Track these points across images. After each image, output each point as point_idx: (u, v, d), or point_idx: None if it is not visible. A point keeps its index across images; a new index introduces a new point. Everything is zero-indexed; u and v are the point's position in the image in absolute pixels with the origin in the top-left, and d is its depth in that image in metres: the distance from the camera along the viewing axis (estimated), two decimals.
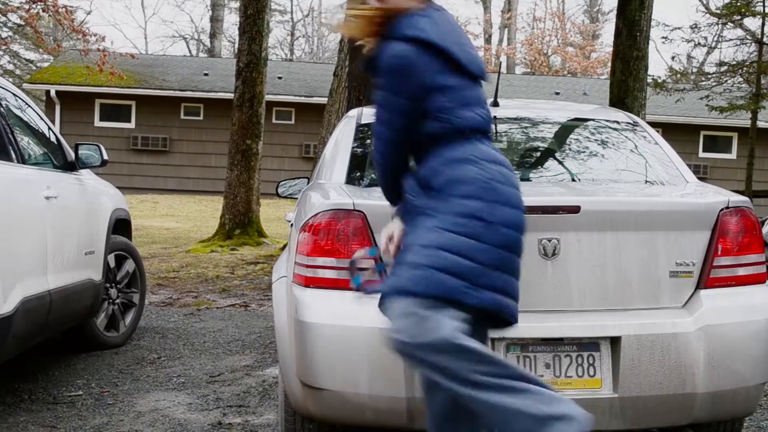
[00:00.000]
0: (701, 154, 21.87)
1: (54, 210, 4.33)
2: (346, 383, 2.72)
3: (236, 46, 15.80)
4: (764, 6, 14.55)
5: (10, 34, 31.36)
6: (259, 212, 12.46)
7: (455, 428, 2.46)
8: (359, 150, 3.46)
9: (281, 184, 5.24)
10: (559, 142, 3.69)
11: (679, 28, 15.78)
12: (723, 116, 15.70)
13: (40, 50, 32.02)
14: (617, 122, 3.73)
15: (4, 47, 30.80)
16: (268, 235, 12.49)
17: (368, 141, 3.57)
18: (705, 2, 21.63)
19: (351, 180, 3.24)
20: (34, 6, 17.73)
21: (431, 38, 2.36)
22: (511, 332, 2.70)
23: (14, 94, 4.63)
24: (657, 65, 58.32)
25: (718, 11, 16.29)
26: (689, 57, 29.97)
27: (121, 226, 5.69)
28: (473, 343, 2.21)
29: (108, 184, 5.69)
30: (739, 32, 17.88)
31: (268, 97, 16.03)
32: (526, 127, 3.74)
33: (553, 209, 2.76)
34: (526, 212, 2.42)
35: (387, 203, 2.85)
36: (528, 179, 3.39)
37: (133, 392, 4.50)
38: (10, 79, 29.85)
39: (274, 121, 21.15)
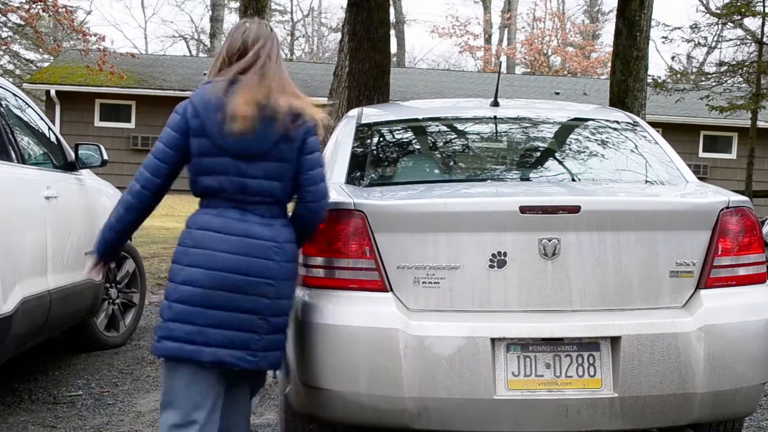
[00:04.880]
0: (701, 154, 21.85)
1: (54, 210, 4.33)
2: (346, 383, 2.72)
3: None
4: (764, 6, 14.54)
5: (10, 34, 31.33)
6: None
7: None
8: (359, 150, 3.46)
9: None
10: (559, 142, 3.69)
11: (679, 28, 15.77)
12: (723, 116, 15.69)
13: (40, 50, 31.99)
14: (617, 122, 3.73)
15: (4, 47, 30.76)
16: None
17: (368, 141, 3.57)
18: (705, 2, 21.64)
19: (351, 180, 3.24)
20: (34, 6, 17.72)
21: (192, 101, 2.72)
22: (512, 332, 2.71)
23: (14, 94, 4.63)
24: (657, 65, 58.28)
25: (718, 11, 16.28)
26: (689, 57, 29.94)
27: None
28: None
29: (108, 184, 5.69)
30: (739, 32, 17.87)
31: None
32: (526, 127, 3.74)
33: (553, 209, 2.76)
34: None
35: (388, 203, 2.85)
36: (528, 179, 3.39)
37: (133, 392, 4.50)
38: (10, 79, 29.84)
39: None
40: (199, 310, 2.62)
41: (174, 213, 17.59)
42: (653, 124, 4.98)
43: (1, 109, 4.23)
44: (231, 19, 38.25)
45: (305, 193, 2.75)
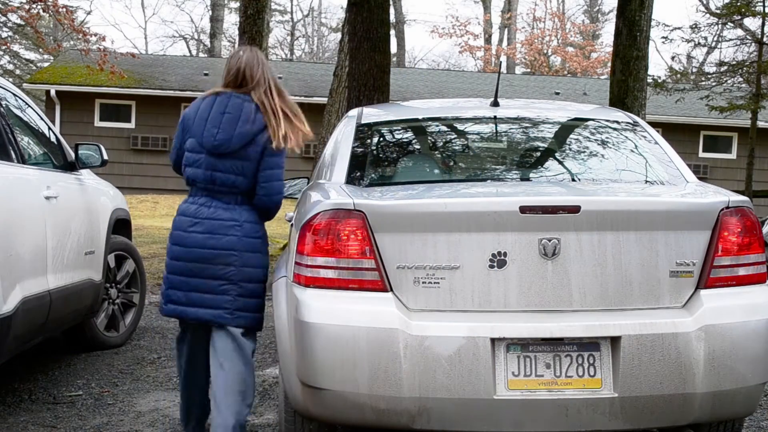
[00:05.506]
0: (701, 154, 21.84)
1: (54, 210, 4.33)
2: (346, 383, 2.72)
3: (236, 46, 15.78)
4: (764, 6, 14.53)
5: (10, 34, 31.33)
6: None
7: None
8: (359, 150, 3.46)
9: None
10: (559, 142, 3.69)
11: (679, 28, 15.75)
12: (723, 116, 15.69)
13: (40, 50, 31.99)
14: (617, 122, 3.73)
15: (4, 47, 30.78)
16: (268, 235, 12.47)
17: (368, 141, 3.57)
18: (705, 2, 21.62)
19: (351, 180, 3.24)
20: (34, 6, 17.72)
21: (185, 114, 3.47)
22: (512, 332, 2.71)
23: (14, 94, 4.63)
24: (657, 65, 58.29)
25: (718, 11, 16.28)
26: (689, 57, 29.95)
27: (121, 226, 5.69)
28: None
29: (108, 184, 5.69)
30: (739, 32, 17.87)
31: None
32: (526, 127, 3.74)
33: (553, 209, 2.76)
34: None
35: (388, 203, 2.86)
36: (528, 179, 3.39)
37: (133, 392, 4.50)
38: (10, 79, 29.84)
39: None
40: (183, 278, 3.36)
41: (174, 213, 17.60)
42: (653, 124, 4.98)
43: (1, 109, 4.23)
44: (231, 19, 38.28)
45: (259, 188, 3.37)
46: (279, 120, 3.39)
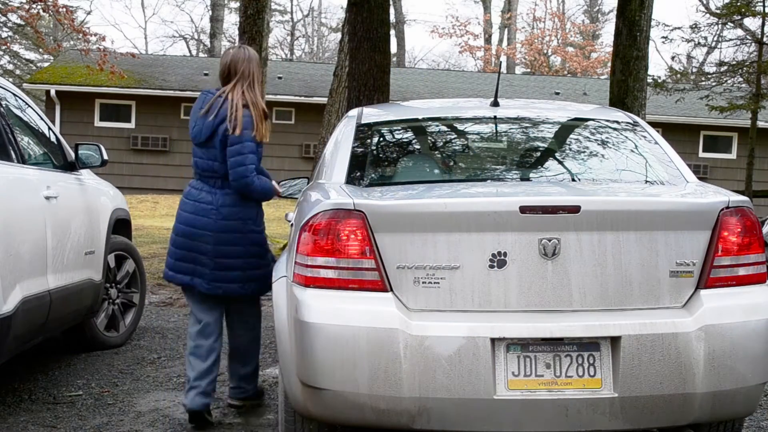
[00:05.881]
0: (701, 154, 21.85)
1: (54, 210, 4.33)
2: (346, 383, 2.72)
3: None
4: (764, 6, 14.54)
5: (10, 34, 31.33)
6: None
7: None
8: (359, 150, 3.46)
9: (281, 183, 5.29)
10: (559, 142, 3.69)
11: (679, 28, 15.76)
12: (723, 116, 15.70)
13: (40, 50, 32.00)
14: (617, 122, 3.73)
15: (4, 47, 30.78)
16: (269, 235, 12.46)
17: (368, 141, 3.58)
18: (705, 2, 21.62)
19: (351, 180, 3.24)
20: (34, 6, 17.73)
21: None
22: (512, 332, 2.71)
23: (14, 94, 4.63)
24: (657, 65, 58.31)
25: (718, 11, 16.28)
26: (689, 57, 29.96)
27: (121, 226, 5.69)
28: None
29: (108, 184, 5.69)
30: (739, 32, 17.87)
31: (268, 97, 16.03)
32: (526, 127, 3.74)
33: (553, 209, 2.76)
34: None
35: (388, 203, 2.86)
36: (528, 179, 3.39)
37: (133, 392, 4.50)
38: (10, 79, 29.83)
39: (274, 121, 21.13)
40: (176, 250, 3.95)
41: (174, 213, 17.60)
42: (653, 124, 4.97)
43: (1, 109, 4.23)
44: (231, 19, 38.29)
45: (229, 174, 3.83)
46: (237, 111, 3.82)
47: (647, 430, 2.93)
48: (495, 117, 3.73)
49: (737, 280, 2.89)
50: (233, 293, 3.92)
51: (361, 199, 2.85)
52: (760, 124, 17.08)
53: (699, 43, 15.98)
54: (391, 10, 9.36)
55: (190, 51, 41.58)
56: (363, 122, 3.66)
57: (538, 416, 2.71)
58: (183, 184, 3.61)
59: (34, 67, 32.76)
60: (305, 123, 20.94)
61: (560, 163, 3.54)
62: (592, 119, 3.87)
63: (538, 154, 3.66)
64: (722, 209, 2.87)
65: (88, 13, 42.38)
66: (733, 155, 21.94)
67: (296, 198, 5.06)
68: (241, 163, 3.79)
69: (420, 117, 3.89)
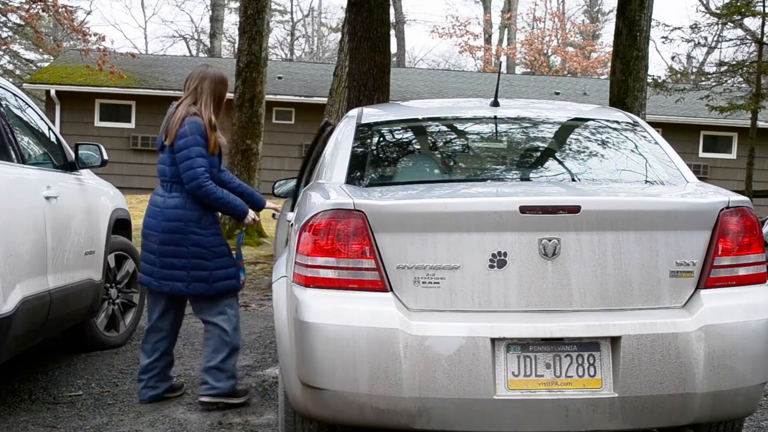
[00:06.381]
0: (701, 154, 21.85)
1: (54, 210, 4.33)
2: (346, 383, 2.72)
3: (236, 46, 15.80)
4: (764, 6, 14.54)
5: (10, 34, 31.32)
6: (259, 212, 12.42)
7: None
8: (359, 150, 3.46)
9: (277, 184, 5.39)
10: (559, 142, 3.69)
11: (679, 28, 15.77)
12: (723, 116, 15.70)
13: (40, 50, 31.99)
14: (617, 122, 3.73)
15: (4, 47, 30.77)
16: (268, 236, 12.48)
17: (368, 141, 3.58)
18: (705, 2, 21.63)
19: (351, 180, 3.24)
20: (34, 6, 17.73)
21: None
22: (512, 332, 2.71)
23: (14, 94, 4.63)
24: (657, 65, 58.32)
25: (718, 11, 16.29)
26: (689, 57, 29.98)
27: (121, 226, 5.69)
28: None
29: (108, 184, 5.69)
30: (739, 32, 17.88)
31: (268, 97, 16.01)
32: (526, 127, 3.74)
33: (553, 209, 2.76)
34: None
35: (388, 203, 2.86)
36: (528, 179, 3.39)
37: (133, 392, 4.50)
38: (10, 79, 29.83)
39: (274, 121, 21.13)
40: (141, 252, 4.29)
41: None
42: (653, 124, 4.98)
43: (1, 109, 4.23)
44: (231, 19, 38.28)
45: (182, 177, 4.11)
46: (178, 121, 4.15)
47: (647, 430, 2.93)
48: (495, 117, 3.73)
49: (737, 280, 2.89)
50: (179, 292, 4.17)
51: (361, 199, 2.85)
52: (760, 124, 17.09)
53: (699, 43, 15.99)
54: (391, 10, 9.36)
55: (190, 51, 41.59)
56: (363, 122, 3.66)
57: (538, 416, 2.71)
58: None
59: (34, 67, 32.76)
60: (305, 123, 20.93)
61: (560, 163, 3.54)
62: (592, 119, 3.87)
63: (538, 154, 3.66)
64: (722, 209, 2.88)
65: (88, 13, 42.40)
66: (733, 155, 21.93)
67: (284, 197, 5.19)
68: (189, 167, 4.05)
69: (420, 117, 3.89)
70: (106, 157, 5.12)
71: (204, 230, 4.13)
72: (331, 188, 3.11)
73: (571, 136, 3.75)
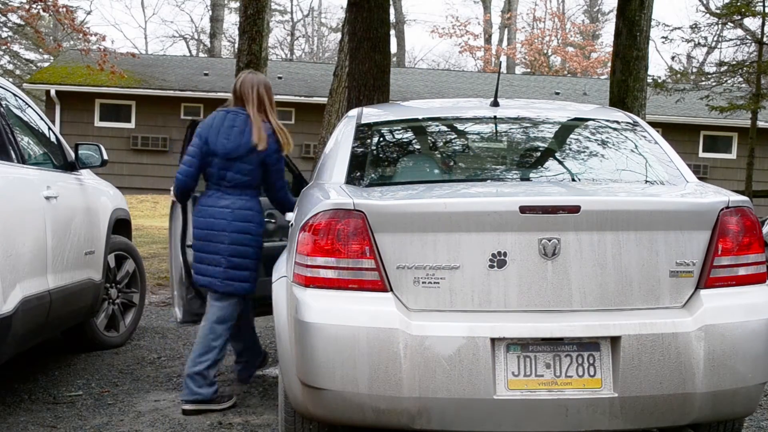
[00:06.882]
0: (701, 154, 21.84)
1: (54, 210, 4.33)
2: (346, 383, 2.72)
3: (236, 46, 15.80)
4: (764, 6, 14.54)
5: (10, 34, 31.33)
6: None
7: None
8: (359, 150, 3.46)
9: None
10: (559, 142, 3.69)
11: (679, 28, 15.76)
12: (723, 116, 15.69)
13: (40, 50, 32.00)
14: (617, 122, 3.73)
15: (4, 47, 30.78)
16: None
17: (368, 141, 3.57)
18: (705, 2, 21.63)
19: (351, 180, 3.24)
20: (34, 6, 17.73)
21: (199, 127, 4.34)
22: (512, 332, 2.71)
23: (14, 94, 4.63)
24: (657, 65, 58.34)
25: (718, 11, 16.28)
26: (689, 57, 29.97)
27: (121, 226, 5.69)
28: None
29: (108, 184, 5.69)
30: (739, 32, 17.87)
31: None
32: (526, 127, 3.74)
33: (553, 209, 2.76)
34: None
35: (388, 203, 2.86)
36: (528, 179, 3.39)
37: (133, 392, 4.50)
38: (10, 79, 29.82)
39: None
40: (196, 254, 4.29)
41: None
42: (653, 124, 4.97)
43: (1, 109, 4.23)
44: (231, 19, 38.27)
45: (276, 184, 4.35)
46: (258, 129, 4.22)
47: (647, 430, 2.93)
48: (495, 117, 3.73)
49: (737, 280, 2.89)
50: (245, 291, 4.22)
51: (361, 199, 2.85)
52: (760, 124, 17.08)
53: (699, 43, 15.99)
54: (391, 10, 9.36)
55: (190, 51, 41.58)
56: (363, 122, 3.66)
57: (538, 416, 2.71)
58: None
59: (34, 67, 32.76)
60: (305, 123, 20.93)
61: (560, 163, 3.54)
62: (592, 119, 3.87)
63: (538, 154, 3.66)
64: (722, 209, 2.88)
65: (88, 13, 42.42)
66: (733, 155, 21.93)
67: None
68: (283, 175, 4.37)
69: (420, 117, 3.89)
70: (106, 157, 5.12)
71: (260, 232, 4.25)
72: (331, 188, 3.11)
73: (571, 136, 3.75)
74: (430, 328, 2.71)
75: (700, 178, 3.50)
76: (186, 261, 4.47)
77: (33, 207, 4.12)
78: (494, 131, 3.78)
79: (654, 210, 2.87)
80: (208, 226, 4.16)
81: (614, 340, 2.73)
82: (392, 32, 18.36)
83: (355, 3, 7.30)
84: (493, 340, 2.70)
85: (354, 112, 3.90)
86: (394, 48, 32.61)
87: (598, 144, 3.68)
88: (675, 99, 15.60)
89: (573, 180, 3.35)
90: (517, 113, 3.84)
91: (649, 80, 12.66)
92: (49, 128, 5.02)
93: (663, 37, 16.04)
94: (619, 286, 2.81)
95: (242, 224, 4.14)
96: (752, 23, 18.19)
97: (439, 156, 3.66)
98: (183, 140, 4.72)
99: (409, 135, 3.83)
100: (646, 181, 3.34)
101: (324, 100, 13.86)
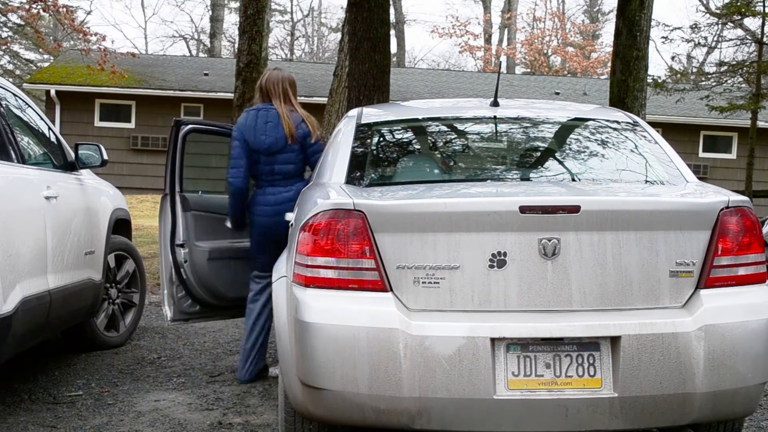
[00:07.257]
0: (701, 154, 21.83)
1: (54, 210, 4.33)
2: (346, 383, 2.72)
3: (236, 46, 15.80)
4: (764, 6, 14.54)
5: (10, 34, 31.33)
6: None
7: None
8: (359, 150, 3.46)
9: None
10: (559, 142, 3.69)
11: (679, 28, 15.76)
12: (723, 116, 15.69)
13: (40, 50, 32.00)
14: (617, 122, 3.73)
15: (4, 47, 30.78)
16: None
17: (368, 141, 3.58)
18: (705, 2, 21.63)
19: (351, 180, 3.24)
20: (34, 6, 17.74)
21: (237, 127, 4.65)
22: (512, 332, 2.71)
23: (14, 94, 4.63)
24: (657, 65, 58.36)
25: (718, 11, 16.29)
26: (689, 57, 29.97)
27: (121, 226, 5.69)
28: None
29: (108, 184, 5.69)
30: (739, 32, 17.88)
31: None
32: (526, 127, 3.74)
33: (553, 209, 2.76)
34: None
35: (388, 203, 2.86)
36: (528, 179, 3.39)
37: (133, 392, 4.50)
38: (10, 79, 29.82)
39: None
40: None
41: None
42: (653, 124, 4.97)
43: (1, 109, 4.23)
44: (231, 19, 38.27)
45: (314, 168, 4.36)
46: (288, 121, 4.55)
47: (647, 430, 2.93)
48: (495, 117, 3.73)
49: (737, 280, 2.89)
50: None
51: (361, 199, 2.85)
52: (760, 124, 17.08)
53: (699, 43, 15.99)
54: (391, 10, 9.36)
55: (190, 51, 41.58)
56: (363, 122, 3.66)
57: (538, 416, 2.71)
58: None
59: (34, 67, 32.75)
60: None
61: (560, 163, 3.54)
62: (592, 119, 3.87)
63: (538, 154, 3.66)
64: (722, 209, 2.88)
65: (88, 13, 42.38)
66: (733, 155, 21.93)
67: None
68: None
69: (420, 117, 3.89)
70: (106, 157, 5.13)
71: None
72: (331, 188, 3.11)
73: (571, 136, 3.75)
74: (430, 328, 2.71)
75: (700, 178, 3.50)
76: (176, 260, 4.51)
77: (33, 207, 4.12)
78: (494, 131, 3.78)
79: (654, 210, 2.87)
80: (267, 224, 4.47)
81: (614, 340, 2.73)
82: (392, 32, 18.36)
83: (355, 3, 7.30)
84: (493, 340, 2.70)
85: (354, 112, 3.90)
86: (394, 48, 32.61)
87: (598, 144, 3.68)
88: (675, 99, 15.60)
89: (573, 180, 3.35)
90: (517, 113, 3.84)
91: (649, 80, 12.66)
92: (49, 128, 5.02)
93: (663, 37, 16.04)
94: (619, 286, 2.81)
95: None
96: (752, 23, 18.21)
97: (439, 156, 3.66)
98: (168, 139, 4.78)
99: (409, 135, 3.83)
100: (646, 181, 3.34)
101: (324, 100, 13.86)
